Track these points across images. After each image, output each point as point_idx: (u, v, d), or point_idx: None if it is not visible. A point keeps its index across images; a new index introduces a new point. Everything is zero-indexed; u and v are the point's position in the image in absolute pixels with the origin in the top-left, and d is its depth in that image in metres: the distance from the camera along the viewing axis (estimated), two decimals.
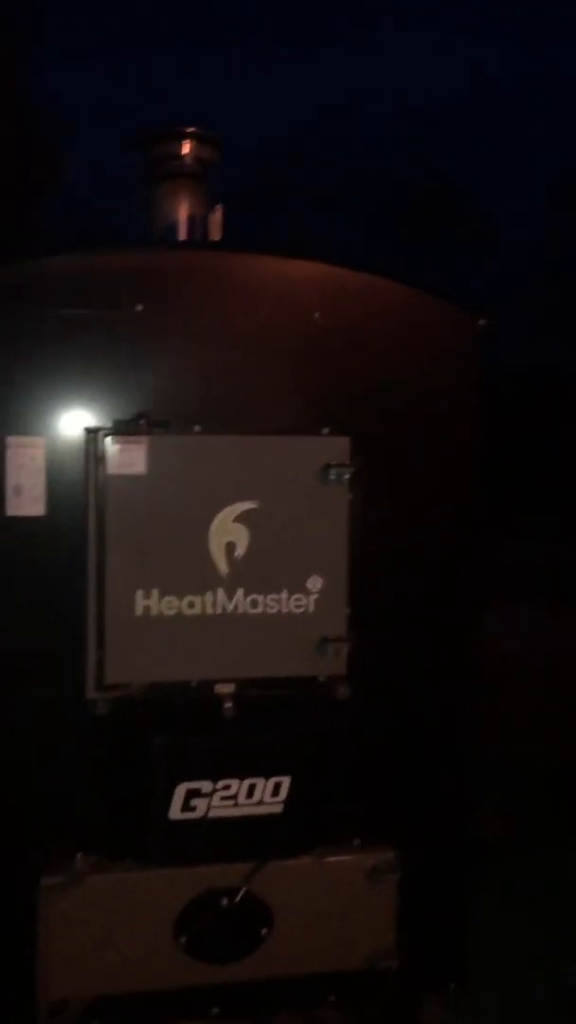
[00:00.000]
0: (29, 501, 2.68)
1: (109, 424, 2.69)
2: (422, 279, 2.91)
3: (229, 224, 3.40)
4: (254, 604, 2.79)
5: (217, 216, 3.08)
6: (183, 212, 3.61)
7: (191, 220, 3.61)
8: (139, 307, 2.71)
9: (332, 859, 2.90)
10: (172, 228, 3.62)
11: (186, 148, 3.64)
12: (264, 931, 2.86)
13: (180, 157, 3.64)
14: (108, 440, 2.66)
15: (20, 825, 2.74)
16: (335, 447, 2.82)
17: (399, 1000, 3.04)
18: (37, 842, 2.74)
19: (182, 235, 3.61)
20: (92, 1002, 2.75)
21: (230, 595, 2.77)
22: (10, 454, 2.66)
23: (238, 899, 2.80)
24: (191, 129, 3.65)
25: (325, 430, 2.84)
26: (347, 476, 2.79)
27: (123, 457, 2.67)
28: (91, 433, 2.67)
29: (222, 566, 2.76)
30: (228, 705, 2.77)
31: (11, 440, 2.66)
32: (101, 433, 2.67)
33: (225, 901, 2.81)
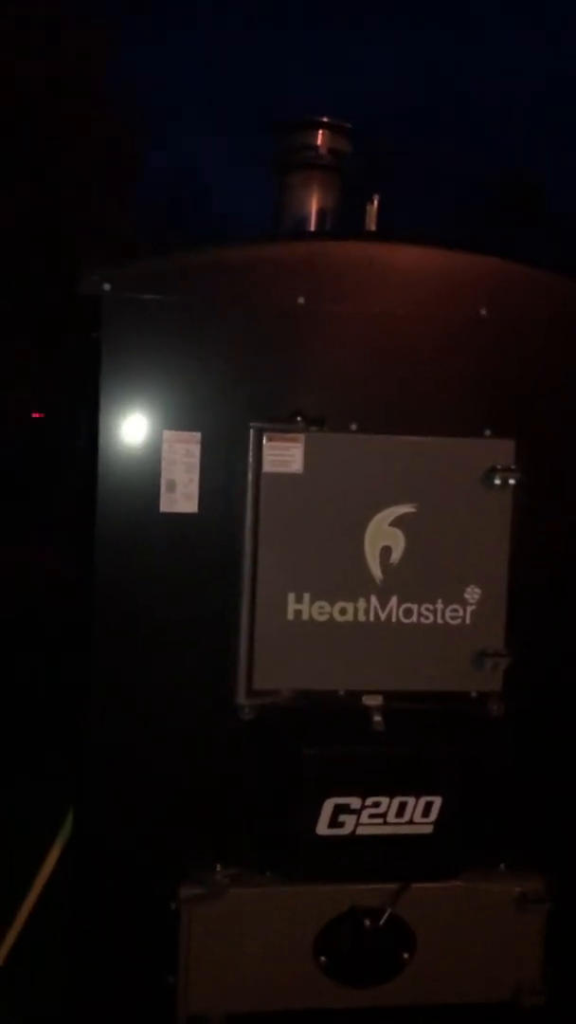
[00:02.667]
0: (183, 498, 2.60)
1: (266, 420, 2.59)
2: None
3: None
4: (408, 613, 2.66)
5: (375, 206, 2.96)
6: (315, 203, 3.52)
7: (322, 212, 3.50)
8: (300, 300, 2.60)
9: (480, 885, 2.75)
10: (303, 220, 3.53)
11: (320, 139, 3.54)
12: (406, 956, 2.72)
13: (314, 148, 3.55)
14: (265, 437, 2.56)
15: (161, 832, 2.66)
16: (499, 450, 2.67)
17: None
18: (178, 850, 2.66)
19: (312, 227, 3.52)
20: (229, 1018, 2.66)
21: (383, 603, 2.65)
22: (166, 448, 2.58)
23: (382, 921, 2.67)
24: (325, 119, 3.55)
25: (488, 432, 2.70)
26: (512, 481, 2.64)
27: (280, 455, 2.57)
28: (248, 429, 2.57)
29: (376, 572, 2.64)
30: (378, 718, 2.65)
31: (167, 435, 2.58)
32: (258, 429, 2.57)
33: (368, 922, 2.68)
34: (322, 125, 3.54)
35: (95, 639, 2.62)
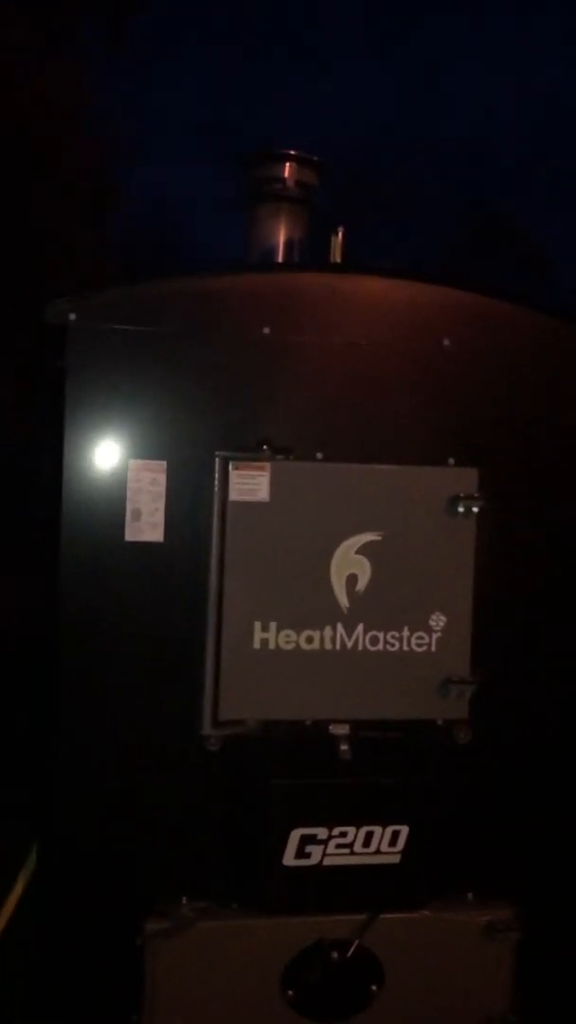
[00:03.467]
0: (148, 527, 2.59)
1: (233, 449, 2.60)
2: (558, 305, 2.77)
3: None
4: (374, 641, 2.66)
5: (339, 238, 2.99)
6: (283, 234, 3.55)
7: (290, 243, 3.54)
8: (266, 330, 2.62)
9: (448, 914, 2.73)
10: (271, 251, 3.56)
11: (287, 171, 3.58)
12: (374, 988, 2.70)
13: (282, 180, 3.58)
14: (231, 465, 2.57)
15: (127, 864, 2.62)
16: (463, 478, 2.70)
17: None
18: (144, 883, 2.62)
19: (280, 258, 3.56)
20: None
21: (350, 631, 2.65)
22: (131, 477, 2.57)
23: (350, 953, 2.65)
24: (292, 152, 3.59)
25: (451, 460, 2.72)
26: (475, 509, 2.66)
27: (246, 483, 2.57)
28: (215, 458, 2.58)
29: (343, 600, 2.64)
30: (345, 747, 2.64)
31: (133, 463, 2.58)
32: (225, 458, 2.57)
33: (335, 954, 2.65)
34: (290, 158, 3.58)
35: (60, 669, 2.59)
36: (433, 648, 2.69)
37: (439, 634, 2.69)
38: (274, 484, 2.59)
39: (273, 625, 2.61)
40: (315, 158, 3.64)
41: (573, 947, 2.86)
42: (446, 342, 2.72)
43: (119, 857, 2.62)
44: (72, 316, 2.53)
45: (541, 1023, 2.81)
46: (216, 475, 2.56)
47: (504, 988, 2.77)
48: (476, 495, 2.67)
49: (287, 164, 3.61)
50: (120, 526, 2.58)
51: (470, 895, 2.79)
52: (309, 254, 3.57)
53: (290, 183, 3.60)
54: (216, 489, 2.57)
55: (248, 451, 2.59)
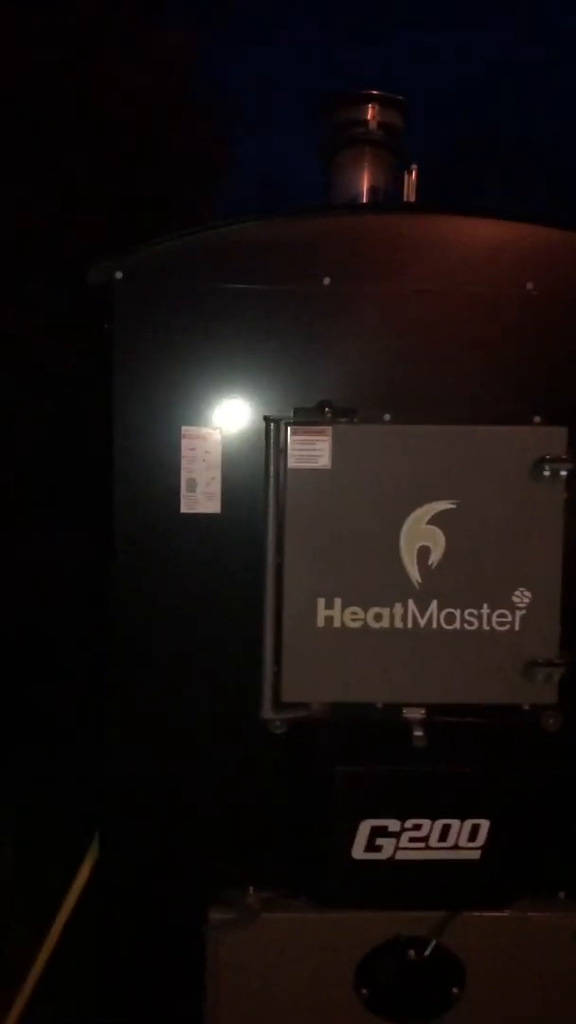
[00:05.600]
0: (204, 498, 2.43)
1: (290, 412, 2.40)
2: None
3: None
4: (450, 619, 2.44)
5: (412, 177, 2.73)
6: (367, 180, 3.31)
7: (374, 189, 3.29)
8: (326, 280, 2.40)
9: (535, 915, 2.51)
10: (355, 199, 3.32)
11: (371, 113, 3.33)
12: (455, 991, 2.51)
13: (365, 123, 3.34)
14: (289, 431, 2.37)
15: (190, 853, 2.51)
16: (549, 439, 2.42)
17: None
18: (207, 872, 2.50)
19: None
20: None
21: (422, 608, 2.43)
22: (185, 445, 2.42)
23: (427, 952, 2.46)
24: (375, 93, 3.33)
25: (537, 419, 2.45)
26: (564, 472, 2.39)
27: (306, 449, 2.38)
28: (271, 423, 2.39)
29: (414, 574, 2.42)
30: (419, 733, 2.44)
31: (186, 430, 2.42)
32: (282, 423, 2.38)
33: (412, 953, 2.48)
34: (372, 98, 3.34)
35: (115, 652, 2.48)
36: (517, 627, 2.44)
37: (523, 612, 2.44)
38: (336, 449, 2.38)
39: (338, 602, 2.41)
40: (399, 97, 3.38)
41: None
42: (529, 286, 2.43)
43: (181, 844, 2.51)
44: (118, 274, 2.38)
45: None
46: (274, 441, 2.37)
47: None
48: (565, 457, 2.39)
49: (369, 105, 3.38)
50: (175, 497, 2.43)
51: (562, 895, 2.56)
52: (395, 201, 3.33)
53: (372, 125, 3.36)
54: (274, 456, 2.38)
55: (307, 414, 2.39)
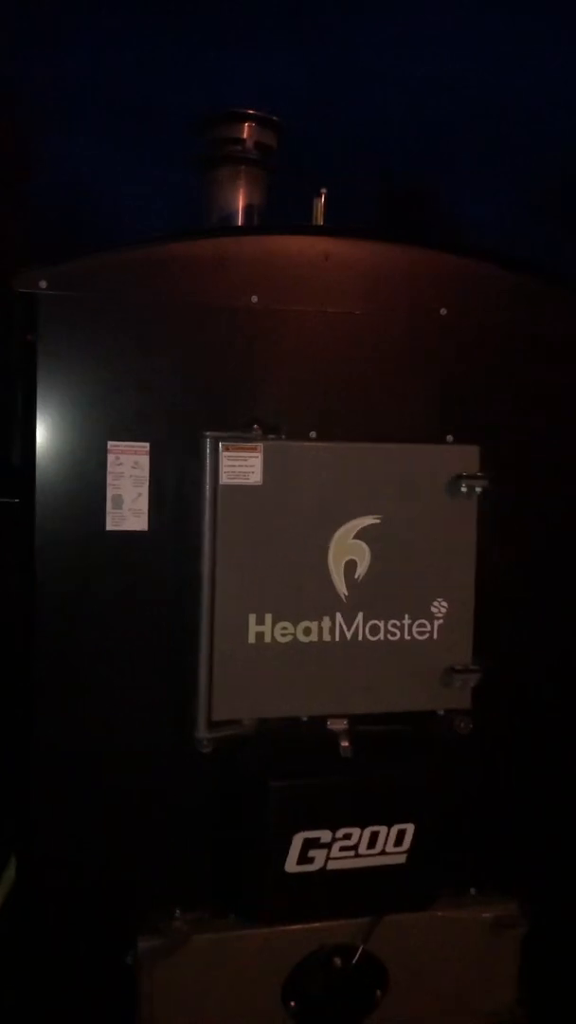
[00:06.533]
0: (131, 515, 2.38)
1: (220, 429, 2.40)
2: (560, 270, 2.63)
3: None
4: (374, 631, 2.51)
5: (322, 201, 2.80)
6: (243, 199, 3.37)
7: (249, 209, 3.36)
8: (254, 298, 2.42)
9: (452, 912, 2.62)
10: (230, 216, 3.37)
11: (246, 132, 3.40)
12: (378, 993, 2.57)
13: (241, 142, 3.40)
14: (221, 446, 2.37)
15: (115, 876, 2.43)
16: (463, 457, 2.55)
17: None
18: (133, 897, 2.44)
19: (240, 224, 3.37)
20: None
21: (349, 620, 2.49)
22: (111, 461, 2.36)
23: (355, 959, 2.51)
24: (251, 112, 3.40)
25: (449, 438, 2.57)
26: (478, 489, 2.52)
27: (238, 466, 2.38)
28: (203, 439, 2.38)
29: (341, 588, 2.48)
30: (345, 744, 2.49)
31: (112, 446, 2.36)
32: (214, 438, 2.37)
33: (339, 961, 2.52)
34: (249, 118, 3.39)
35: (36, 672, 2.38)
36: (435, 636, 2.55)
37: (441, 621, 2.55)
38: (267, 466, 2.40)
39: (268, 617, 2.43)
40: (275, 118, 3.46)
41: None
42: (443, 311, 2.56)
43: (106, 868, 2.43)
44: (43, 283, 2.29)
45: (546, 1017, 2.73)
46: (207, 457, 2.36)
47: (509, 984, 2.68)
48: (479, 474, 2.53)
49: (246, 124, 3.43)
50: (100, 514, 2.37)
51: (473, 891, 2.69)
52: (269, 220, 3.39)
53: (249, 144, 3.42)
54: (207, 473, 2.37)
55: (238, 431, 2.40)
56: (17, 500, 2.42)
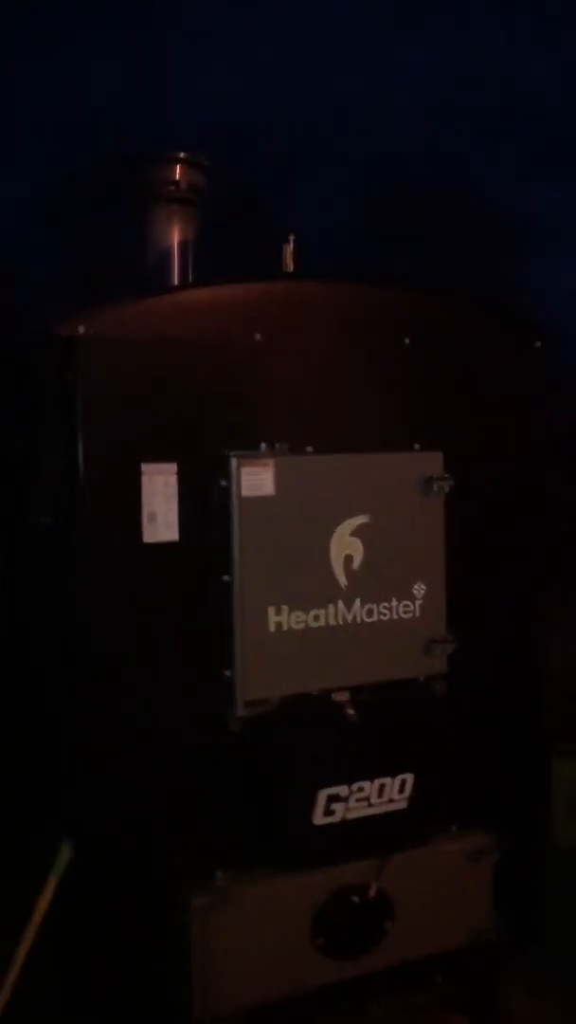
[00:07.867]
0: (163, 527, 2.72)
1: (235, 448, 2.77)
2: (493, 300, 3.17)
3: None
4: (369, 613, 2.95)
5: (291, 246, 3.20)
6: (177, 235, 3.73)
7: (184, 245, 3.72)
8: (257, 336, 2.81)
9: (442, 846, 3.10)
10: (166, 254, 3.72)
11: (179, 173, 3.74)
12: (388, 924, 3.01)
13: (175, 183, 3.74)
14: (240, 463, 2.75)
15: (161, 847, 2.76)
16: (430, 461, 3.03)
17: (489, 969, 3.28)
18: (179, 863, 2.77)
19: (176, 261, 3.73)
20: (242, 1016, 2.80)
21: (349, 606, 2.92)
22: (145, 481, 2.68)
23: (371, 894, 2.94)
24: (183, 155, 3.76)
25: (416, 446, 3.05)
26: (446, 488, 3.01)
27: (254, 479, 2.76)
28: (223, 457, 2.74)
29: (342, 579, 2.91)
30: (351, 712, 2.92)
31: (145, 467, 2.69)
32: (233, 457, 2.75)
33: (356, 898, 2.94)
34: (181, 160, 3.74)
35: (87, 669, 2.67)
36: (417, 614, 3.02)
37: (421, 601, 3.02)
38: (278, 478, 2.80)
39: (285, 608, 2.83)
40: (206, 162, 3.82)
41: (539, 865, 3.33)
42: (407, 340, 3.03)
43: (151, 840, 2.75)
44: (81, 328, 2.60)
45: (515, 931, 3.25)
46: (231, 473, 2.73)
47: (486, 904, 3.18)
48: (445, 475, 3.02)
49: (178, 166, 3.78)
50: (137, 528, 2.69)
51: (453, 827, 3.17)
52: (199, 257, 3.77)
53: (183, 185, 3.77)
54: (232, 487, 2.74)
55: (252, 449, 2.78)
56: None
